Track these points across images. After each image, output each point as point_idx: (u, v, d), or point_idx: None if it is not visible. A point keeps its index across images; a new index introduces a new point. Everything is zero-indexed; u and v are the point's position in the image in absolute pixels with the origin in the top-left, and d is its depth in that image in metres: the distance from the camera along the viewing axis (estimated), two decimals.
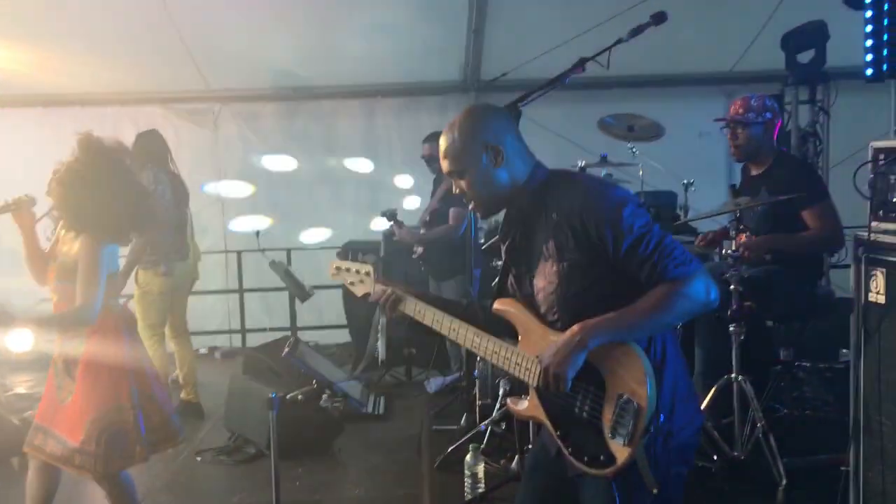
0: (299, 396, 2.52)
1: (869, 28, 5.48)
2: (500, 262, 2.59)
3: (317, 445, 5.25)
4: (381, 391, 6.32)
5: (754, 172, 4.02)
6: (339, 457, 5.15)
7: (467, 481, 3.31)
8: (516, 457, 3.45)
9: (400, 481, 4.51)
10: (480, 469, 3.31)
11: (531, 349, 2.24)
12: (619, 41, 3.20)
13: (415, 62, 8.12)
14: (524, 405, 2.33)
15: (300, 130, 8.47)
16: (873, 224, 2.79)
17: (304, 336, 8.07)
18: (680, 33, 7.22)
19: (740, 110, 3.96)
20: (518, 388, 3.93)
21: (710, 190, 6.82)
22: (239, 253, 8.20)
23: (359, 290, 2.62)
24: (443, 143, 2.31)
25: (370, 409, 5.97)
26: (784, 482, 3.28)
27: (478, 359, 4.06)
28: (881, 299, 2.75)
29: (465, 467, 3.33)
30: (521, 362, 2.26)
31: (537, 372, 2.17)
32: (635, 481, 2.08)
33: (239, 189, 8.42)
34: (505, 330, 2.37)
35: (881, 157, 2.75)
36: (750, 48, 7.73)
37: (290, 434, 5.10)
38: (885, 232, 2.75)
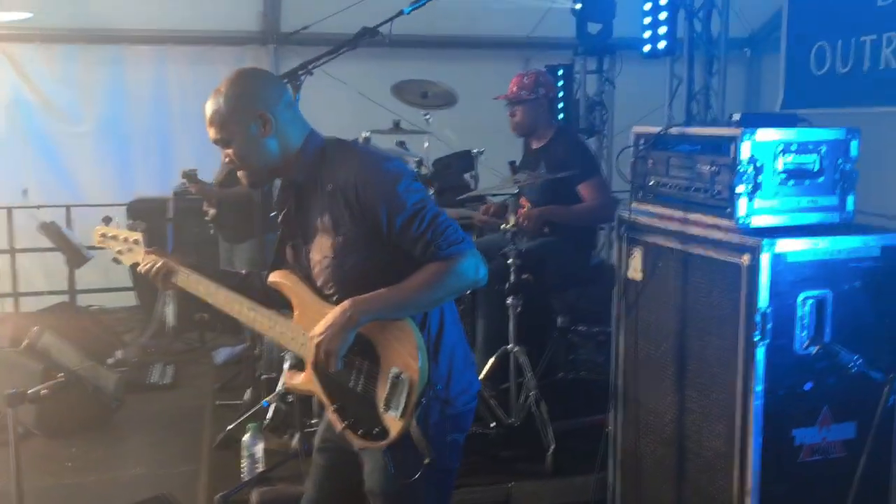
0: (42, 391, 2.31)
1: (648, 6, 5.84)
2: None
3: (89, 420, 4.95)
4: (170, 359, 6.06)
5: (535, 146, 4.15)
6: (119, 432, 4.89)
7: (245, 462, 3.23)
8: (297, 434, 3.40)
9: (184, 457, 4.33)
10: (259, 449, 3.23)
11: (307, 324, 2.19)
12: (399, 13, 3.14)
13: (209, 8, 7.68)
14: (300, 378, 2.29)
15: (83, 75, 7.80)
16: (633, 205, 2.95)
17: (87, 299, 7.60)
18: None
19: (514, 88, 4.07)
20: (302, 363, 3.89)
21: (505, 157, 7.05)
22: (9, 209, 7.48)
23: (127, 260, 2.49)
24: (208, 109, 2.17)
25: (156, 379, 5.72)
26: (553, 446, 3.46)
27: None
28: (638, 276, 2.93)
29: (243, 447, 3.24)
30: (295, 336, 2.22)
31: (311, 349, 2.13)
32: (410, 452, 2.08)
33: (7, 137, 7.65)
34: (284, 303, 2.30)
35: (641, 141, 2.90)
36: (546, 15, 7.94)
37: (60, 411, 4.78)
38: (643, 213, 2.92)
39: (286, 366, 3.89)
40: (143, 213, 6.81)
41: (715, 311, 2.57)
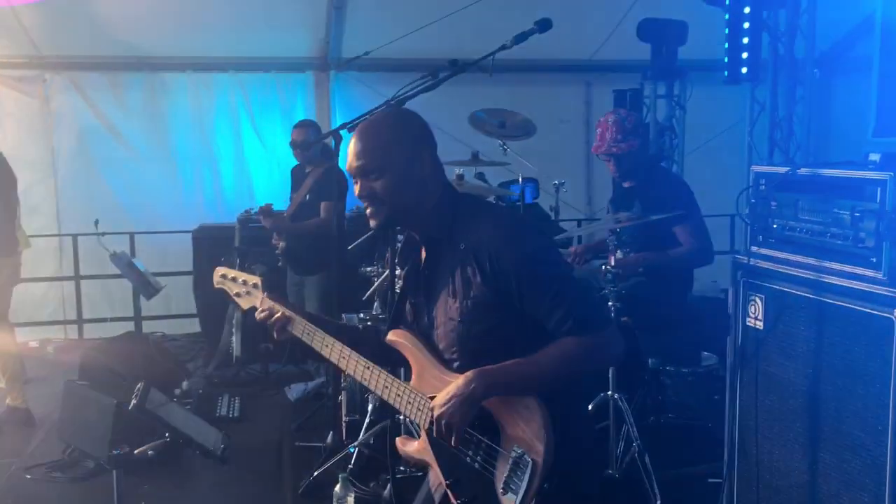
0: (150, 452, 2.20)
1: (727, 30, 5.65)
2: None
3: (164, 457, 4.87)
4: (235, 391, 5.98)
5: (627, 185, 3.99)
6: (190, 468, 4.79)
7: None
8: (388, 484, 3.26)
9: (258, 498, 4.24)
10: (351, 500, 3.10)
11: (425, 388, 2.08)
12: (503, 47, 3.02)
13: (271, 35, 7.66)
14: (414, 446, 2.17)
15: (144, 104, 7.84)
16: (753, 249, 2.77)
17: (150, 326, 7.59)
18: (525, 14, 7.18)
19: (617, 136, 3.86)
20: (387, 407, 3.77)
21: (571, 181, 6.87)
22: (75, 237, 7.52)
23: (245, 303, 2.42)
24: (364, 137, 2.08)
25: (224, 412, 5.64)
26: (659, 501, 3.27)
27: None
28: (759, 325, 2.75)
29: (335, 499, 3.11)
30: (412, 401, 2.09)
31: (428, 416, 2.02)
32: None
33: (74, 164, 7.70)
34: (400, 360, 2.19)
35: (762, 181, 2.72)
36: (610, 38, 7.78)
37: (129, 445, 4.71)
38: (765, 258, 2.73)
39: (370, 407, 3.78)
40: (208, 241, 6.79)
41: (856, 366, 2.37)
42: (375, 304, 4.12)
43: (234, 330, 6.28)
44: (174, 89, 7.86)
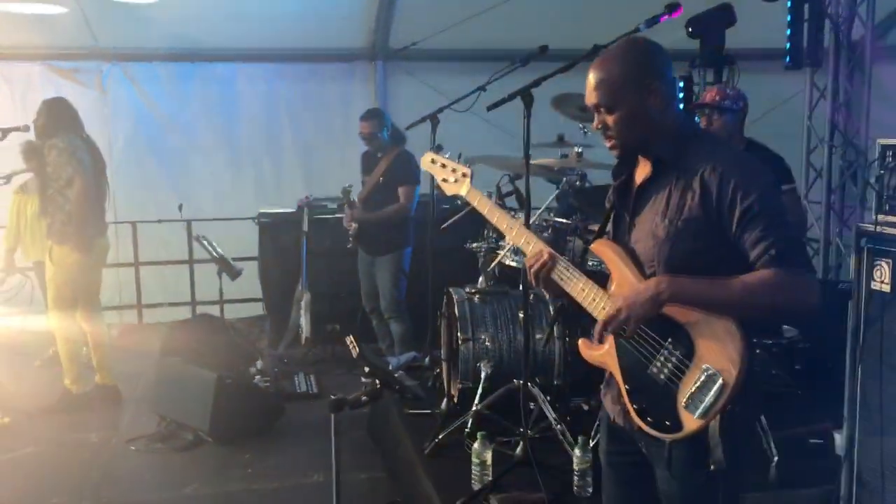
0: (363, 398, 2.36)
1: (790, 17, 5.83)
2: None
3: (257, 429, 5.06)
4: (307, 369, 6.17)
5: None
6: (288, 440, 4.98)
7: (475, 469, 3.27)
8: (520, 443, 3.44)
9: (360, 465, 4.42)
10: (489, 456, 3.27)
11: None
12: (636, 29, 3.19)
13: (320, 26, 7.80)
14: (598, 350, 2.24)
15: (197, 94, 7.99)
16: (879, 217, 2.96)
17: (206, 311, 7.74)
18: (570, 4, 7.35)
19: (717, 97, 4.07)
20: (501, 373, 3.95)
21: None
22: (134, 224, 7.68)
23: (449, 189, 2.56)
24: (597, 73, 2.14)
25: (303, 388, 5.83)
26: (776, 457, 3.46)
27: (460, 340, 4.00)
28: (886, 288, 2.94)
29: (474, 454, 3.28)
30: (606, 305, 2.17)
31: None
32: (697, 454, 2.04)
33: (129, 153, 7.85)
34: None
35: (889, 153, 2.92)
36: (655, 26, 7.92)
37: (228, 418, 4.90)
38: (891, 225, 2.93)
39: (483, 375, 3.96)
40: (272, 226, 6.96)
41: None
42: (481, 278, 4.28)
43: (303, 312, 6.46)
44: (226, 80, 8.02)
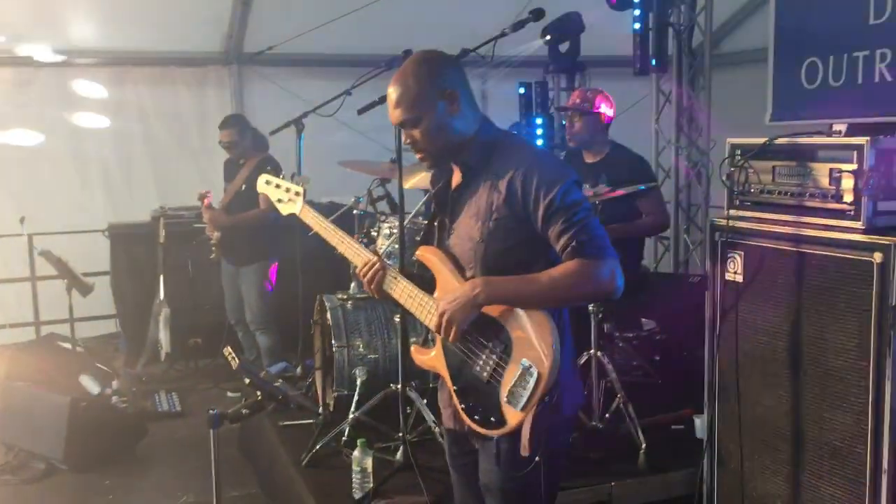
0: (244, 411, 2.26)
1: (637, 26, 6.13)
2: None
3: (116, 452, 4.80)
4: (169, 387, 5.91)
5: (590, 160, 4.31)
6: (150, 462, 4.75)
7: (356, 477, 3.22)
8: (400, 447, 3.42)
9: (232, 483, 4.26)
10: (369, 463, 3.23)
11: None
12: (503, 34, 3.26)
13: (171, 30, 7.51)
14: (428, 355, 2.35)
15: (38, 100, 7.48)
16: (731, 212, 3.15)
17: (51, 331, 7.25)
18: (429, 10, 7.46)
19: (576, 100, 4.22)
20: (377, 379, 3.92)
21: None
22: None
23: (284, 209, 2.61)
24: (395, 91, 2.22)
25: (165, 407, 5.57)
26: (644, 445, 3.61)
27: (334, 347, 3.94)
28: (739, 278, 3.13)
29: (354, 462, 3.23)
30: (432, 310, 2.25)
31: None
32: (518, 446, 2.12)
33: None
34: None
35: (738, 152, 3.12)
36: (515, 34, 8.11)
37: (84, 443, 4.61)
38: (743, 219, 3.12)
39: (359, 382, 3.92)
40: (127, 238, 6.63)
41: (836, 307, 2.78)
42: (353, 284, 4.24)
43: (161, 326, 6.17)
44: (79, 85, 7.55)
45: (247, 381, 2.27)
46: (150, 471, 4.63)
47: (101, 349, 6.98)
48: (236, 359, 2.28)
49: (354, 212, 4.53)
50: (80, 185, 7.63)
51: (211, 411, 2.20)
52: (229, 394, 5.58)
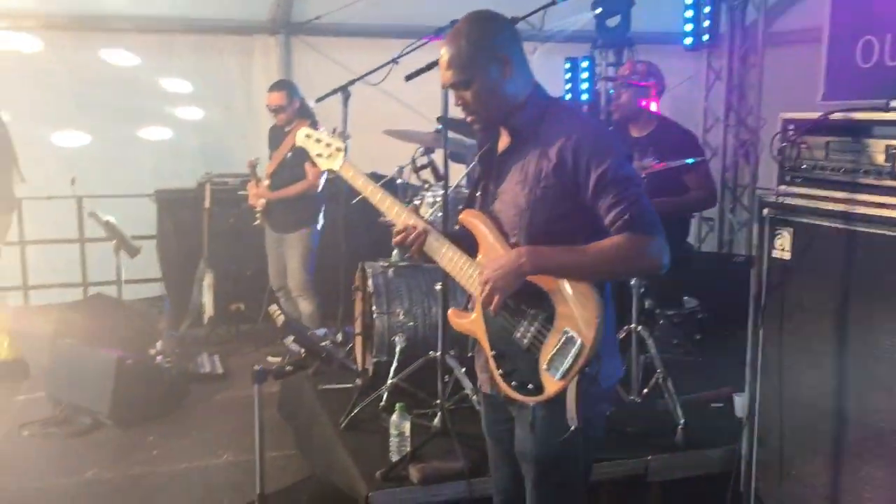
0: (288, 368, 2.30)
1: (689, 0, 6.02)
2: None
3: (160, 410, 4.91)
4: (211, 350, 6.01)
5: (636, 134, 4.27)
6: (193, 421, 4.85)
7: (393, 440, 3.26)
8: (438, 414, 3.46)
9: (271, 443, 4.30)
10: (407, 427, 3.27)
11: (489, 264, 2.22)
12: (553, 2, 3.22)
13: None
14: (466, 319, 2.34)
15: (83, 65, 7.58)
16: (781, 188, 3.10)
17: (100, 291, 7.41)
18: None
19: (626, 72, 4.17)
20: (415, 346, 3.94)
21: None
22: (19, 200, 7.24)
23: (323, 164, 2.55)
24: (447, 52, 2.19)
25: (208, 369, 5.67)
26: (683, 420, 3.59)
27: (375, 314, 3.98)
28: (786, 256, 3.08)
29: (392, 426, 3.27)
30: (473, 274, 2.25)
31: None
32: (558, 416, 2.13)
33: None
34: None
35: (791, 127, 3.06)
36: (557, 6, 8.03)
37: (130, 400, 4.72)
38: (793, 195, 3.07)
39: (398, 349, 3.95)
40: (174, 203, 6.73)
41: (885, 287, 2.72)
42: (394, 252, 4.26)
43: (205, 291, 6.28)
44: (126, 51, 7.64)
45: (291, 337, 2.29)
46: (192, 429, 4.73)
47: (146, 311, 7.13)
48: (283, 314, 2.31)
49: (398, 181, 4.54)
50: (129, 151, 7.75)
51: (256, 367, 2.24)
52: (269, 358, 5.65)
